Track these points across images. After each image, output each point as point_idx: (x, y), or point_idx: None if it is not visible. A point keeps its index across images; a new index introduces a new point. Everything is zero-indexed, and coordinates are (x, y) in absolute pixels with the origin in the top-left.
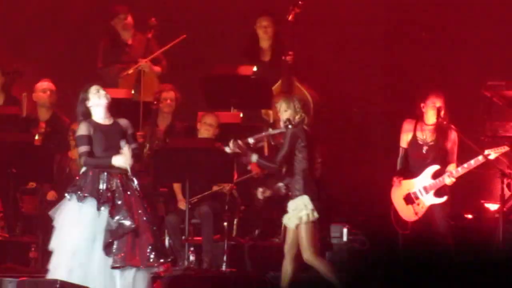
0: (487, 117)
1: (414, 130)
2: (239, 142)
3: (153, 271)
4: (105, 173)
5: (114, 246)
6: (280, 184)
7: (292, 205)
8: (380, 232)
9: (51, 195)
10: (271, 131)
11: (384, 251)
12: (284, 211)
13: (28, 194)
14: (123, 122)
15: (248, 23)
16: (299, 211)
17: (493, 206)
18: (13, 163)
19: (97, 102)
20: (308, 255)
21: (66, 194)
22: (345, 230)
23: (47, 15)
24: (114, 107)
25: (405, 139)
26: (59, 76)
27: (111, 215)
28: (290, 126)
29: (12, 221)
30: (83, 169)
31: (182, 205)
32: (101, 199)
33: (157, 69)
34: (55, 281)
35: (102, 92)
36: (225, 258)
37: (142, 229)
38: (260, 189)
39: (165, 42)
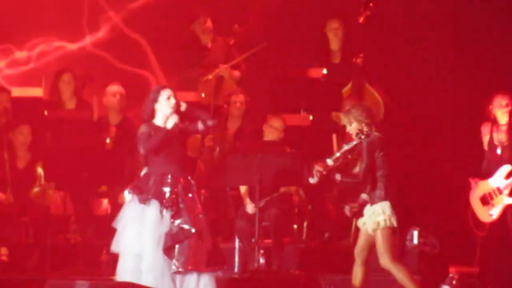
0: None
1: (491, 132)
2: (319, 169)
3: (214, 275)
4: (169, 176)
5: (176, 251)
6: (364, 196)
7: (369, 210)
8: (454, 235)
9: (122, 198)
10: (345, 147)
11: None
12: (354, 214)
13: (99, 197)
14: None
15: (318, 25)
16: (377, 216)
17: None
18: (85, 167)
19: (164, 108)
20: (385, 261)
21: (126, 194)
22: (415, 233)
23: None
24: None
25: (485, 141)
26: (128, 80)
27: (173, 218)
28: (363, 137)
29: (84, 225)
30: (144, 170)
31: (250, 208)
32: (166, 202)
33: (237, 73)
34: (127, 284)
35: (172, 100)
36: (294, 261)
37: (202, 233)
38: (348, 207)
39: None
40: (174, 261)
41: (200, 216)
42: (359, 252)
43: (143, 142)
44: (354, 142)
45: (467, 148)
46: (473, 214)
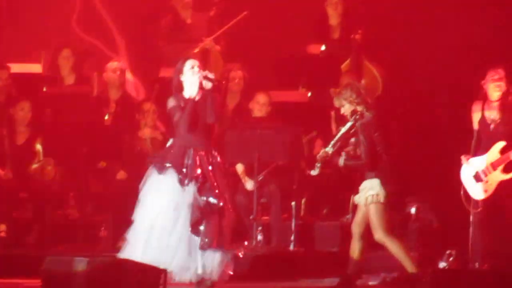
0: None
1: (482, 110)
2: (322, 155)
3: (233, 252)
4: (192, 149)
5: (202, 227)
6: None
7: (362, 185)
8: (452, 211)
9: (121, 174)
10: (342, 129)
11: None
12: (352, 190)
13: (98, 173)
14: (207, 84)
15: (318, 0)
16: (366, 192)
17: None
18: (84, 142)
19: (190, 79)
20: (379, 235)
21: (148, 163)
22: (413, 210)
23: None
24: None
25: (475, 120)
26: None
27: (199, 192)
28: (357, 117)
29: (83, 201)
30: (170, 142)
31: (249, 185)
32: (189, 174)
33: (218, 48)
34: (126, 260)
35: (196, 69)
36: (293, 237)
37: (226, 209)
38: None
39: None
40: (201, 237)
41: (224, 191)
42: (356, 226)
43: (176, 117)
44: (350, 123)
45: (463, 127)
46: (465, 192)
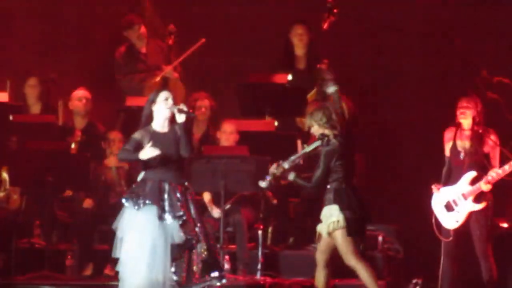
0: None
1: (454, 138)
2: (274, 171)
3: (206, 285)
4: (166, 184)
5: (176, 262)
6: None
7: (322, 213)
8: (418, 241)
9: (87, 203)
10: (306, 148)
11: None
12: (318, 219)
13: (64, 202)
14: (178, 127)
15: (283, 31)
16: (327, 219)
17: None
18: (50, 171)
19: (162, 110)
20: (348, 259)
21: (123, 200)
22: (380, 239)
23: (84, 25)
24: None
25: (447, 148)
26: (95, 85)
27: (181, 229)
28: (325, 141)
29: (49, 229)
30: (141, 175)
31: (215, 213)
32: (172, 212)
33: (175, 75)
34: None
35: (170, 101)
36: (259, 266)
37: (201, 242)
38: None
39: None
40: (174, 272)
41: (199, 224)
42: (320, 254)
43: (122, 149)
44: (316, 144)
45: (431, 155)
46: (436, 220)
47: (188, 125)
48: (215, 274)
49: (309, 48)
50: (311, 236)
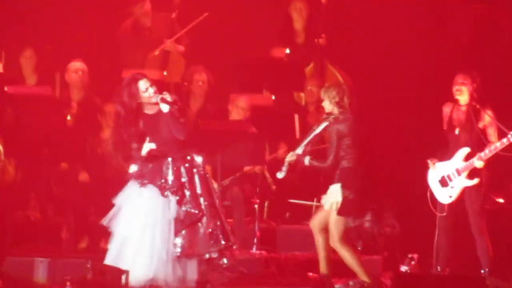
0: None
1: (451, 112)
2: (290, 159)
3: (214, 257)
4: (169, 160)
5: (179, 237)
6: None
7: (330, 189)
8: (414, 216)
9: (82, 176)
10: (316, 130)
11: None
12: (314, 194)
13: (60, 175)
14: (164, 107)
15: (283, 5)
16: (331, 196)
17: None
18: (45, 144)
19: (147, 100)
20: (334, 242)
21: (130, 177)
22: None
23: None
24: None
25: (445, 122)
26: (93, 57)
27: (179, 204)
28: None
29: (44, 202)
30: (146, 146)
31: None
32: (169, 188)
33: (181, 48)
34: (85, 262)
35: (150, 89)
36: (255, 240)
37: (206, 216)
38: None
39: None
40: (177, 245)
41: (205, 197)
42: (314, 222)
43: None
44: (324, 125)
45: (428, 130)
46: (432, 195)
47: (172, 109)
48: (222, 244)
49: (308, 22)
50: (308, 211)
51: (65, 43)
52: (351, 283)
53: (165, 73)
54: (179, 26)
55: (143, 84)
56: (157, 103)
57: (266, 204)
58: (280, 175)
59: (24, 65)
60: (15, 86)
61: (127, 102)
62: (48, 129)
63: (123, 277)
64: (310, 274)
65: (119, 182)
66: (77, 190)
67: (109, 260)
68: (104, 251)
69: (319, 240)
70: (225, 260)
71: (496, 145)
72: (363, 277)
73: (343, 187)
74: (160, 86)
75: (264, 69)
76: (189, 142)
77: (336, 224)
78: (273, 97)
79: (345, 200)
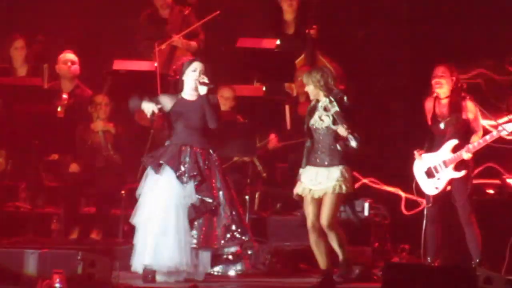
0: (511, 91)
1: (434, 107)
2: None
3: (229, 251)
4: (188, 147)
5: (195, 224)
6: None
7: (326, 173)
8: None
9: (73, 167)
10: (332, 108)
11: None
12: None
13: (50, 166)
14: (202, 99)
15: None
16: (333, 179)
17: None
18: (36, 134)
19: (189, 81)
20: (327, 222)
21: (143, 163)
22: (366, 205)
23: None
24: (135, 80)
25: (429, 117)
26: (84, 48)
27: (197, 191)
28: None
29: (34, 193)
30: (167, 142)
31: None
32: (188, 173)
33: (193, 43)
34: (76, 253)
35: (197, 73)
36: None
37: (220, 208)
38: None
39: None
40: (193, 236)
41: (220, 189)
42: (314, 222)
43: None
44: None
45: (417, 121)
46: (417, 186)
47: (213, 99)
48: (238, 239)
49: (299, 13)
50: (298, 202)
51: (56, 34)
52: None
53: (155, 64)
54: (194, 22)
55: (196, 65)
56: (196, 89)
57: (257, 195)
58: (353, 143)
59: (14, 56)
60: (6, 77)
61: (178, 76)
62: (39, 120)
63: (115, 267)
64: (301, 265)
65: (109, 173)
66: (67, 181)
67: (142, 253)
68: (95, 242)
69: (319, 242)
70: (248, 251)
71: (486, 138)
72: (342, 256)
73: (347, 170)
74: (150, 77)
75: (255, 60)
76: (210, 135)
77: (333, 205)
78: (264, 88)
79: (350, 180)
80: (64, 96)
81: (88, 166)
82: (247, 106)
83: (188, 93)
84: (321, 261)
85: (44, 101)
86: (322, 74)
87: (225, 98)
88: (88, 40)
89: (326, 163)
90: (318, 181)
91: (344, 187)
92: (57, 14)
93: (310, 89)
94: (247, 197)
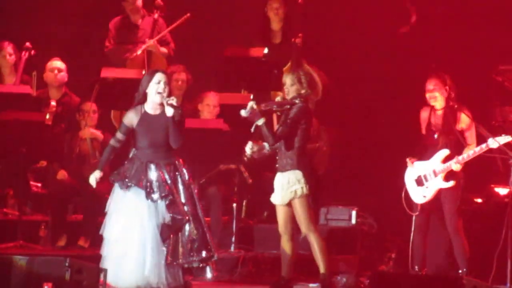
0: (498, 102)
1: (429, 117)
2: (253, 106)
3: (194, 265)
4: (153, 165)
5: (166, 244)
6: (266, 144)
7: (281, 180)
8: (392, 215)
9: (61, 174)
10: (279, 100)
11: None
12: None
13: (38, 173)
14: (169, 111)
15: (259, 5)
16: (292, 185)
17: (503, 191)
18: (24, 142)
19: (152, 95)
20: (306, 228)
21: (111, 180)
22: (354, 213)
23: None
24: (123, 88)
25: (423, 126)
26: (72, 56)
27: (168, 209)
28: (297, 102)
29: (22, 200)
30: (132, 152)
31: None
32: (158, 192)
33: (164, 50)
34: (64, 260)
35: (162, 85)
36: (233, 239)
37: (190, 223)
38: (250, 144)
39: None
40: (166, 252)
41: (188, 204)
42: (284, 227)
43: (112, 139)
44: (289, 102)
45: (404, 130)
46: (406, 193)
47: (177, 115)
48: (203, 255)
49: (285, 22)
50: None
51: (44, 41)
52: (338, 278)
53: (143, 72)
54: (163, 27)
55: (159, 76)
56: (162, 105)
57: (244, 203)
58: (243, 112)
59: (2, 63)
60: None
61: (141, 84)
62: (27, 127)
63: (102, 275)
64: None
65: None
66: (55, 188)
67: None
68: (82, 250)
69: (286, 249)
70: (208, 271)
71: (475, 150)
72: (323, 268)
73: (305, 175)
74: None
75: (242, 68)
76: (176, 150)
77: (305, 209)
78: (252, 96)
79: (311, 188)
80: (53, 103)
81: (76, 173)
82: (234, 114)
83: (151, 106)
84: (283, 268)
85: (33, 108)
86: (304, 73)
87: (211, 105)
88: (76, 48)
89: (283, 168)
90: (280, 187)
91: (305, 189)
92: (45, 21)
93: (293, 88)
94: (234, 205)
